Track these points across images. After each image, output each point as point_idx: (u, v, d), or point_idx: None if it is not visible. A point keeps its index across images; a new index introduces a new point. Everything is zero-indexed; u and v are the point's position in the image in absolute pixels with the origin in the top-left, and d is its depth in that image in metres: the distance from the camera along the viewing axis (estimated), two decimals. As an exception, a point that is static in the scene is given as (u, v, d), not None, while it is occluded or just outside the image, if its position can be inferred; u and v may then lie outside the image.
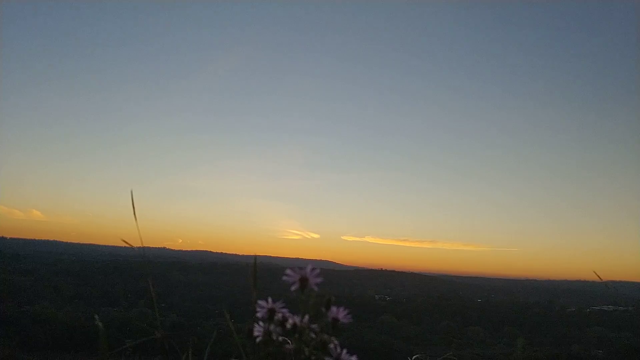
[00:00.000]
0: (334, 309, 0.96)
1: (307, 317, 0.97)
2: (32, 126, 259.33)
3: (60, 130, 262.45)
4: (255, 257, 1.24)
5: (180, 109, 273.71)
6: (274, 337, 0.97)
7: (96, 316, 1.45)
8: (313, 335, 0.96)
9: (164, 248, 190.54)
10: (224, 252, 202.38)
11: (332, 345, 0.94)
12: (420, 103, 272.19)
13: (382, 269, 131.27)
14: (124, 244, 1.60)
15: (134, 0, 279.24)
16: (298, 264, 1.04)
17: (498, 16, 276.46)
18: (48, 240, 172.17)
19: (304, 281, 0.95)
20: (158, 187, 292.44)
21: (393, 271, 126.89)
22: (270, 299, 1.00)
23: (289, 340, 0.97)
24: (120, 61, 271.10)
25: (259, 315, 0.99)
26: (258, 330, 0.98)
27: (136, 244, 1.52)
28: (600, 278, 1.83)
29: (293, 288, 0.96)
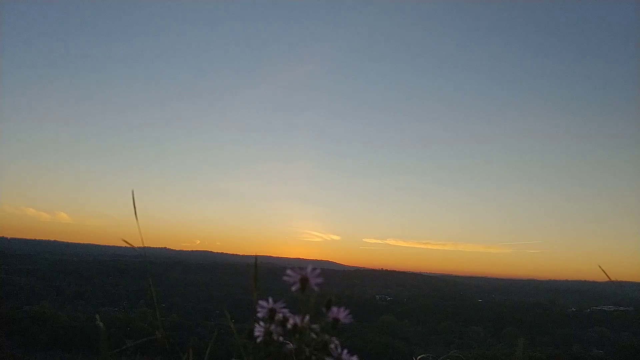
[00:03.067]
0: (334, 309, 0.96)
1: (307, 317, 0.97)
2: (63, 128, 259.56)
3: (89, 133, 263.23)
4: (256, 257, 1.24)
5: (206, 113, 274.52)
6: (275, 337, 0.97)
7: (97, 316, 1.45)
8: (314, 336, 0.96)
9: (165, 248, 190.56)
10: (224, 252, 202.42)
11: (332, 346, 0.94)
12: (440, 107, 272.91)
13: (382, 269, 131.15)
14: (124, 244, 1.60)
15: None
16: (300, 265, 1.04)
17: (506, 18, 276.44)
18: (49, 241, 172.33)
19: (304, 281, 0.95)
20: (179, 189, 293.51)
21: (394, 271, 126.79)
22: (270, 299, 1.00)
23: (289, 341, 0.97)
24: (155, 67, 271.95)
25: (259, 315, 0.99)
26: (259, 330, 0.98)
27: (138, 244, 1.52)
28: (608, 276, 1.82)
29: (294, 288, 0.96)
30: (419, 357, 2.94)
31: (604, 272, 1.62)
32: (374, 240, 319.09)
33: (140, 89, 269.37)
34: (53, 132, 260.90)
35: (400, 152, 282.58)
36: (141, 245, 1.49)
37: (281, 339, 0.97)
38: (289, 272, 0.95)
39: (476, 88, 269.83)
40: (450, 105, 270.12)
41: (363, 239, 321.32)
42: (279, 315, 0.98)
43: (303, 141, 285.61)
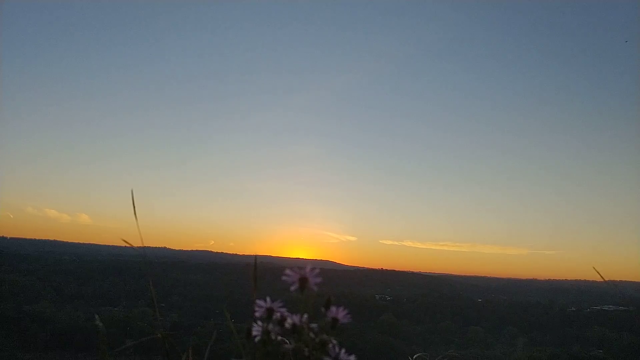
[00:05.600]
0: (333, 308, 0.97)
1: (306, 316, 0.97)
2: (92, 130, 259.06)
3: (114, 133, 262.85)
4: (256, 257, 1.24)
5: (228, 116, 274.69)
6: (273, 337, 0.98)
7: (96, 316, 1.45)
8: (312, 335, 0.96)
9: (164, 248, 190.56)
10: (224, 252, 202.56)
11: (330, 345, 0.94)
12: (455, 111, 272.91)
13: (382, 269, 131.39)
14: (124, 244, 1.61)
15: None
16: (299, 265, 1.05)
17: (500, 17, 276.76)
18: (49, 240, 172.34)
19: (303, 281, 0.95)
20: (194, 190, 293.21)
21: (394, 271, 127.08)
22: (268, 299, 1.00)
23: (287, 340, 0.97)
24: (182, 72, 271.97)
25: (257, 314, 0.99)
26: (256, 329, 0.98)
27: (137, 243, 1.52)
28: (602, 277, 1.82)
29: (292, 288, 0.96)
30: (415, 356, 2.94)
31: (598, 273, 1.63)
32: (390, 242, 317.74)
33: (164, 91, 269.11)
34: (76, 133, 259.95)
35: (418, 154, 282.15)
36: (141, 245, 1.49)
37: (279, 338, 0.98)
38: (287, 272, 0.95)
39: (495, 92, 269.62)
40: (466, 108, 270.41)
41: (380, 241, 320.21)
42: (277, 315, 0.98)
43: (321, 144, 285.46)
